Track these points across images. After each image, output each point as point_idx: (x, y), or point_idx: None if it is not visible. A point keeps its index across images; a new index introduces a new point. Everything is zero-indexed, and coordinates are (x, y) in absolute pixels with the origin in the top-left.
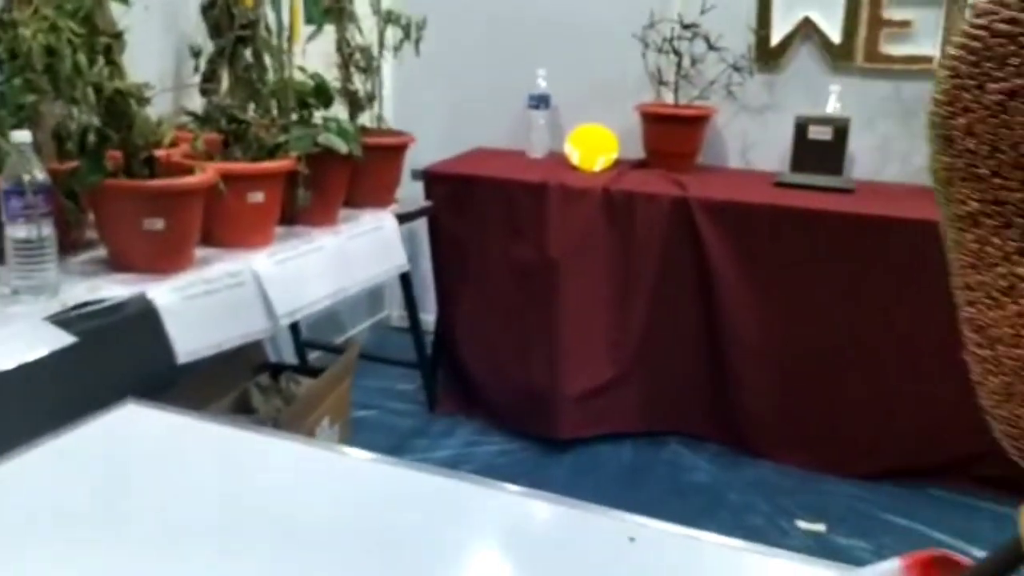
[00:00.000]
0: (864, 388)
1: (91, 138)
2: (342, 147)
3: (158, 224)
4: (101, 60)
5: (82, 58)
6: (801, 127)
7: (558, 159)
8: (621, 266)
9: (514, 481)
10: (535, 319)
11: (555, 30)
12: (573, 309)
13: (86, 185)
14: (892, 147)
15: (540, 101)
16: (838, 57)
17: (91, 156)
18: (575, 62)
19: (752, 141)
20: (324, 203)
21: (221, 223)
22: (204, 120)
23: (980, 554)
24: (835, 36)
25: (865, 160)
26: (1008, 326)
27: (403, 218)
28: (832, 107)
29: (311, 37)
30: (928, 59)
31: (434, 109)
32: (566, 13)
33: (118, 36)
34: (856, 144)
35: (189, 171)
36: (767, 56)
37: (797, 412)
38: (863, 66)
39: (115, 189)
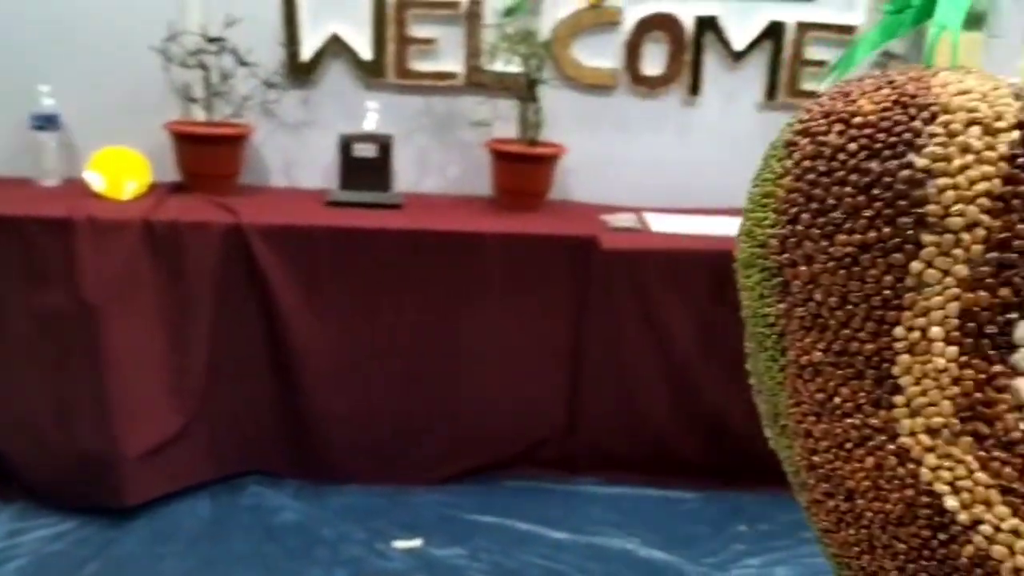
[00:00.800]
0: (436, 397)
1: None
2: None
3: None
4: None
5: None
6: (345, 145)
7: (78, 187)
8: (172, 304)
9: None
10: (75, 375)
11: (60, 42)
12: (121, 358)
13: None
14: (429, 160)
15: (47, 121)
16: (370, 73)
17: None
18: (87, 77)
19: (294, 159)
20: None
21: None
22: None
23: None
24: (365, 53)
25: (406, 174)
26: (866, 479)
27: None
28: (371, 124)
29: None
30: (452, 75)
31: None
32: (71, 23)
33: None
34: (396, 158)
35: None
36: (299, 72)
37: (376, 430)
38: (395, 82)
39: None
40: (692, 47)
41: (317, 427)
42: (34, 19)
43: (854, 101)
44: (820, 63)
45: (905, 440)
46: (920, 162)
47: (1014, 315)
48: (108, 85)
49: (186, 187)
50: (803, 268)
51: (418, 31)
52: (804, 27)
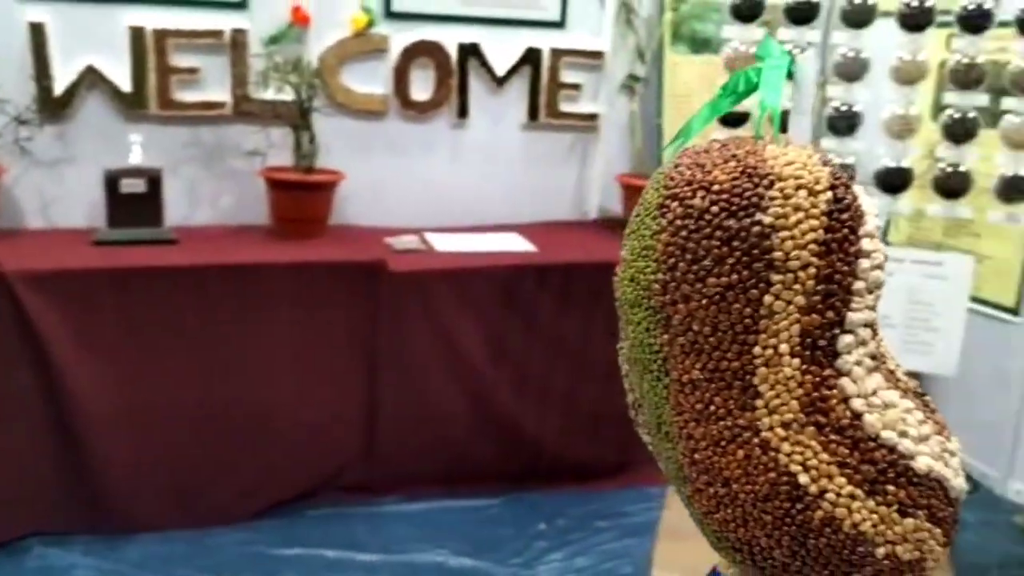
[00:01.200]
0: (230, 434)
1: None
2: None
3: None
4: None
5: None
6: (112, 180)
7: None
8: None
9: None
10: None
11: None
12: None
13: None
14: (200, 191)
15: None
16: (131, 105)
17: None
18: None
19: (51, 198)
20: None
21: None
22: None
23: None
24: (125, 84)
25: (176, 207)
26: (738, 468)
27: None
28: (136, 157)
29: None
30: (220, 104)
31: None
32: None
33: None
34: (165, 191)
35: None
36: (52, 107)
37: (169, 475)
38: (159, 113)
39: None
40: (457, 72)
41: (103, 478)
42: None
43: (710, 172)
44: (575, 86)
45: (766, 434)
46: (766, 219)
47: (837, 331)
48: None
49: None
50: (681, 306)
51: (180, 60)
52: (558, 53)
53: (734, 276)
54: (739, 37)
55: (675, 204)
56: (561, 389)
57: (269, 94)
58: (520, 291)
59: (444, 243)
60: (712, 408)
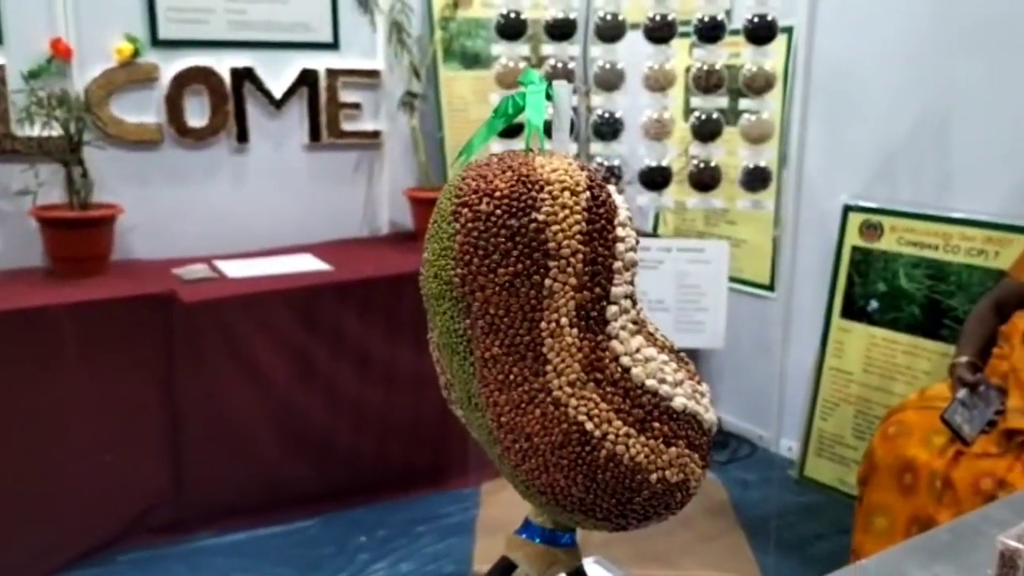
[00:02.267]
0: (26, 489)
1: None
2: None
3: None
4: None
5: None
6: None
7: None
8: None
9: None
10: None
11: None
12: None
13: None
14: None
15: None
16: None
17: None
18: None
19: None
20: None
21: None
22: None
23: None
24: None
25: None
26: (537, 424)
27: None
28: None
29: None
30: None
31: None
32: None
33: None
34: None
35: None
36: None
37: None
38: None
39: None
40: (233, 97)
41: None
42: None
43: (491, 182)
44: (355, 105)
45: (556, 393)
46: (540, 217)
47: (604, 303)
48: None
49: None
50: (479, 294)
51: None
52: (334, 73)
53: (519, 265)
54: (507, 53)
55: (466, 210)
56: (372, 403)
57: (34, 130)
58: (320, 310)
59: (236, 269)
60: (511, 377)
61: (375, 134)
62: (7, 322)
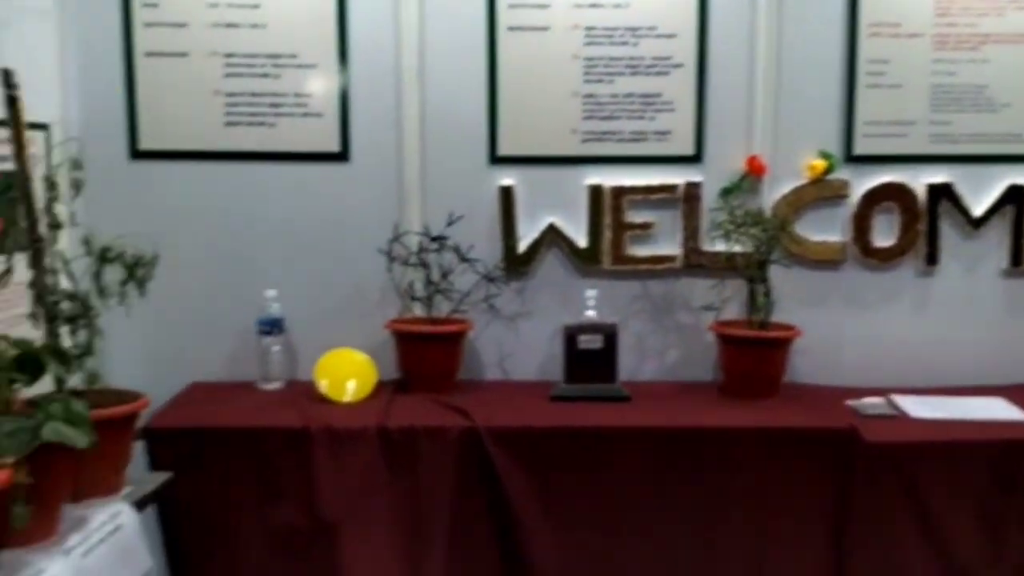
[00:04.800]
0: None
1: None
2: (79, 441)
3: None
4: None
5: None
6: (570, 337)
7: (300, 391)
8: (408, 515)
9: None
10: None
11: (287, 248)
12: None
13: None
14: (647, 346)
15: (272, 326)
16: (586, 261)
17: None
18: (310, 281)
19: (509, 351)
20: (44, 513)
21: None
22: None
23: None
24: (581, 241)
25: (624, 361)
26: None
27: (141, 503)
28: (592, 313)
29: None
30: (671, 258)
31: (130, 345)
32: (298, 229)
33: None
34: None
35: None
36: (516, 264)
37: None
38: (611, 268)
39: None
40: (927, 216)
41: None
42: (263, 226)
43: None
44: None
45: None
46: None
47: None
48: (330, 287)
49: (407, 385)
50: None
51: (634, 216)
52: None
53: None
54: None
55: None
56: None
57: (720, 246)
58: (1018, 472)
59: (917, 408)
60: None
61: None
62: (687, 437)
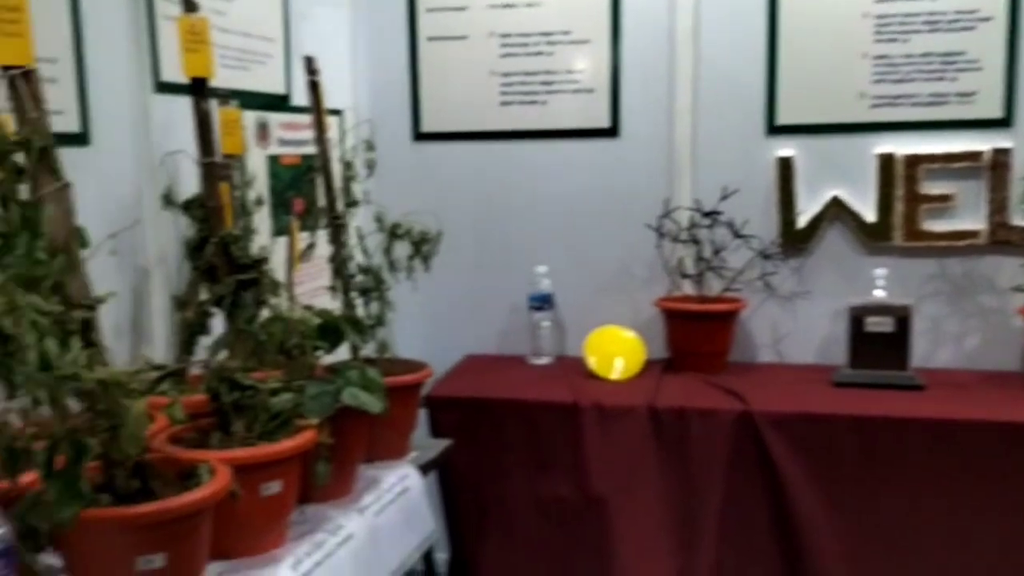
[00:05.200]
0: None
1: (64, 451)
2: (374, 406)
3: (156, 561)
4: (75, 342)
5: (51, 344)
6: (856, 318)
7: (568, 367)
8: (679, 501)
9: None
10: (581, 569)
11: (556, 225)
12: (627, 551)
13: (60, 520)
14: (943, 330)
15: (543, 302)
16: (874, 237)
17: (64, 478)
18: (580, 257)
19: (784, 332)
20: (342, 472)
21: (227, 531)
22: (178, 377)
23: None
24: (869, 215)
25: (916, 346)
26: None
27: (425, 468)
28: (880, 293)
29: (303, 258)
30: (973, 233)
31: (410, 316)
32: (567, 206)
33: (94, 306)
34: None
35: (188, 469)
36: (793, 240)
37: None
38: (902, 245)
39: (98, 521)
40: None
41: None
42: (534, 204)
43: None
44: None
45: None
46: None
47: None
48: (599, 263)
49: (675, 365)
50: None
51: (931, 187)
52: None
53: None
54: None
55: None
56: None
57: None
58: None
59: None
60: None
61: None
62: (987, 431)
